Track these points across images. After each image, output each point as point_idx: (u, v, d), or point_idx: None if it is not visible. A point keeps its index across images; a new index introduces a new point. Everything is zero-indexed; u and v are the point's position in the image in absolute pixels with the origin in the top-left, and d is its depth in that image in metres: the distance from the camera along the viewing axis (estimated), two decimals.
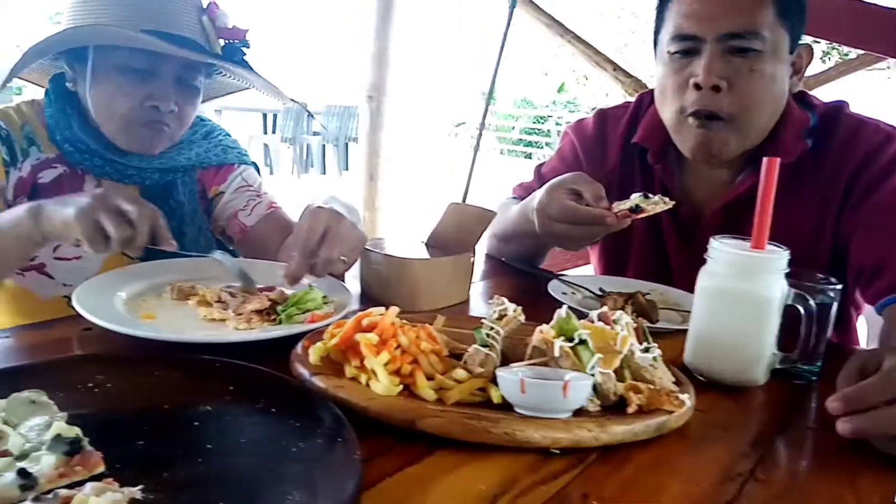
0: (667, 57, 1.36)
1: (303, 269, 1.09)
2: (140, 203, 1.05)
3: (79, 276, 1.31)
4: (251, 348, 0.96)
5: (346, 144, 11.67)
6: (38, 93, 1.40)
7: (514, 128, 19.20)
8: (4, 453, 0.63)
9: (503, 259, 1.58)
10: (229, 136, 1.58)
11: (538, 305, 1.02)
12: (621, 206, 1.23)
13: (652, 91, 1.50)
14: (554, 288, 1.30)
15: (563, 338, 0.84)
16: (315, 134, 11.18)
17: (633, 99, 1.66)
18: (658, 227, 1.52)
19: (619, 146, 1.56)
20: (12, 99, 1.45)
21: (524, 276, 1.53)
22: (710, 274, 1.00)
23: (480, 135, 1.36)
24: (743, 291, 0.96)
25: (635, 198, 1.22)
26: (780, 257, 0.97)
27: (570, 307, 0.91)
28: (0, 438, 0.65)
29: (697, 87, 1.29)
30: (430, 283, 1.22)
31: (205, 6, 1.32)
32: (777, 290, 0.96)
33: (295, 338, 0.96)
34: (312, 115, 1.50)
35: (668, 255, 1.54)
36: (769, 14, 1.27)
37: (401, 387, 0.81)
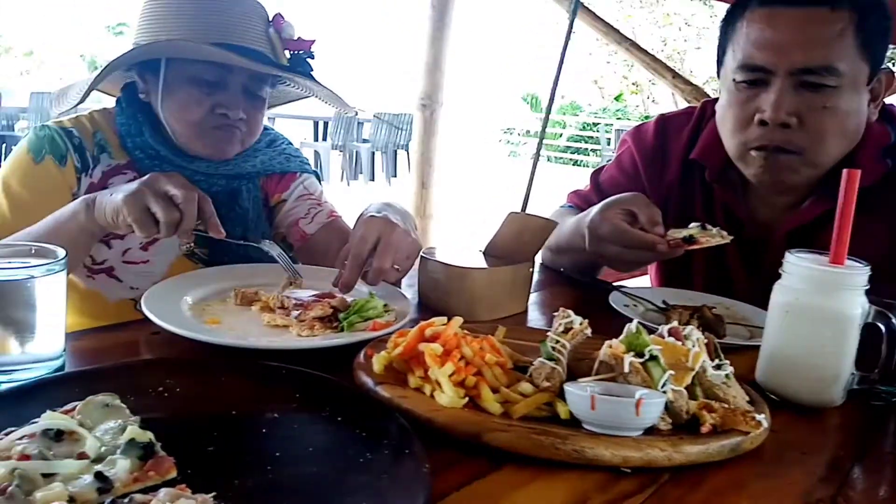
0: (732, 85, 1.28)
1: (354, 278, 1.10)
2: (187, 187, 1.05)
3: (145, 280, 1.34)
4: (313, 355, 0.96)
5: (395, 152, 11.76)
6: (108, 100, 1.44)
7: (560, 135, 19.08)
8: (81, 455, 0.64)
9: (561, 269, 1.55)
10: (291, 144, 1.60)
11: (598, 317, 0.99)
12: (676, 234, 1.19)
13: (714, 100, 1.45)
14: (615, 300, 1.27)
15: (632, 353, 0.82)
16: (364, 141, 11.29)
17: (695, 104, 1.61)
18: (722, 254, 1.44)
19: (680, 159, 1.50)
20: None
21: (582, 286, 1.51)
22: (786, 289, 0.96)
23: (540, 144, 1.35)
24: (821, 308, 0.92)
25: (693, 227, 1.19)
26: (860, 273, 0.92)
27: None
28: (77, 441, 0.66)
29: (763, 123, 1.22)
30: (490, 293, 1.21)
31: (270, 18, 1.34)
32: (857, 306, 0.92)
33: (357, 346, 0.96)
34: (386, 122, 1.50)
35: (731, 276, 1.49)
36: (849, 46, 1.18)
37: (466, 399, 0.80)
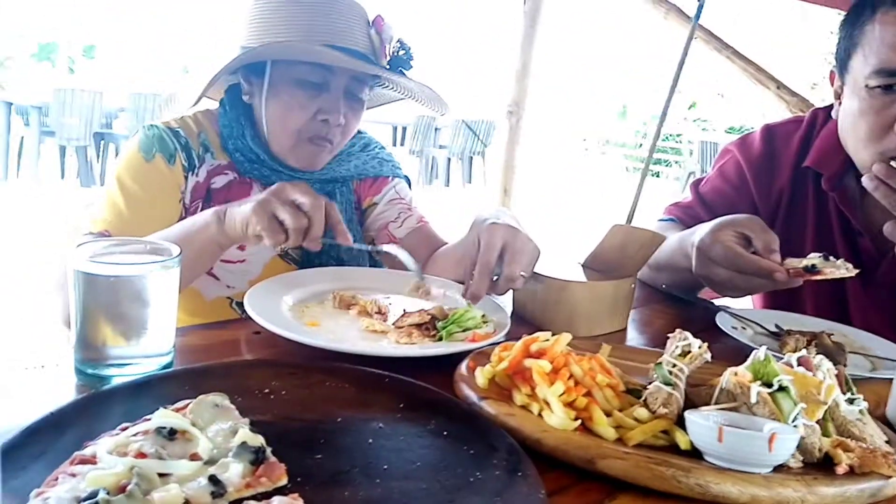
0: (864, 91, 1.21)
1: (484, 287, 1.07)
2: (314, 195, 1.05)
3: (241, 279, 1.36)
4: (410, 362, 0.95)
5: (471, 158, 11.76)
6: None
7: (641, 145, 18.66)
8: (194, 456, 0.64)
9: (662, 286, 1.48)
10: (384, 148, 1.60)
11: (702, 340, 0.92)
12: (795, 263, 1.11)
13: (826, 109, 1.39)
14: (722, 321, 1.20)
15: (760, 382, 0.76)
16: (441, 147, 11.35)
17: (798, 114, 1.53)
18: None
19: (791, 166, 1.44)
20: None
21: (683, 305, 1.44)
22: None
23: (650, 157, 1.29)
24: None
25: (814, 257, 1.11)
26: None
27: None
28: (189, 441, 0.66)
29: None
30: (590, 308, 1.16)
31: (371, 20, 1.34)
32: None
33: (456, 356, 0.93)
34: (472, 129, 1.49)
35: (847, 294, 1.41)
36: None
37: (577, 421, 0.76)
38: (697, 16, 1.31)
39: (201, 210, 1.34)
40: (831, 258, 1.10)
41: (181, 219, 1.33)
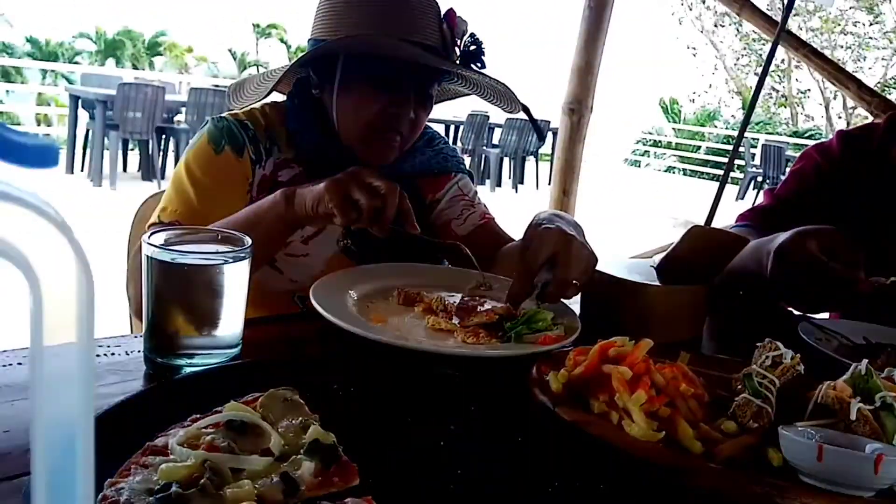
0: None
1: (525, 291, 1.04)
2: (388, 180, 1.04)
3: (304, 273, 1.35)
4: (478, 363, 0.92)
5: (524, 158, 11.68)
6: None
7: (699, 147, 18.22)
8: (265, 452, 0.62)
9: (739, 293, 1.42)
10: (448, 143, 1.57)
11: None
12: (882, 280, 1.06)
13: None
14: (805, 331, 1.13)
15: (860, 398, 0.71)
16: (494, 147, 11.30)
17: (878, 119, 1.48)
18: None
19: (876, 165, 1.43)
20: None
21: (759, 313, 1.37)
22: None
23: (732, 161, 1.23)
24: None
25: None
26: None
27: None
28: (260, 436, 0.64)
29: None
30: (665, 314, 1.11)
31: (443, 14, 1.31)
32: None
33: (525, 359, 0.90)
34: (536, 124, 1.44)
35: None
36: None
37: (661, 433, 0.71)
38: (787, 9, 1.24)
39: None
40: None
41: None
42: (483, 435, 0.72)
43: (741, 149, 14.86)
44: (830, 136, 1.57)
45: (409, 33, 1.23)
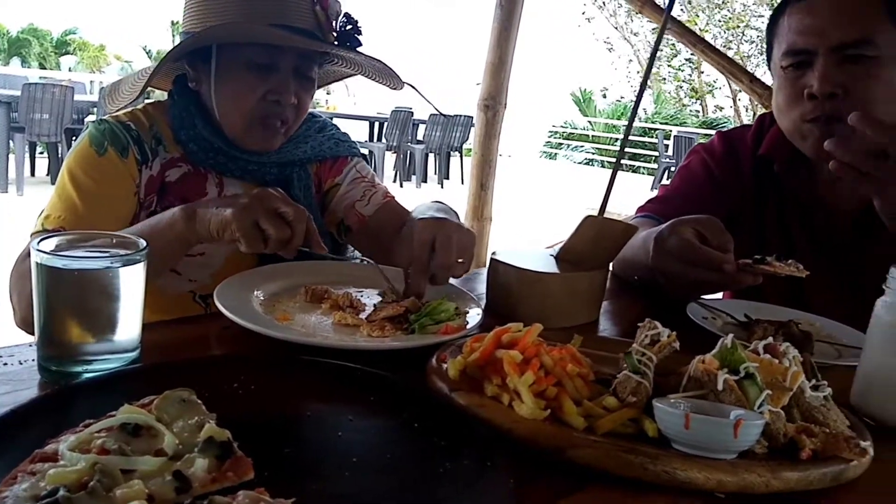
0: (781, 72, 1.41)
1: (422, 283, 1.09)
2: (296, 206, 1.06)
3: (203, 272, 1.35)
4: (383, 356, 0.94)
5: (448, 154, 11.76)
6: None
7: (615, 139, 18.77)
8: (159, 452, 0.63)
9: (635, 278, 1.50)
10: (339, 129, 1.59)
11: (674, 330, 0.93)
12: (744, 260, 1.17)
13: (772, 114, 1.53)
14: (693, 311, 1.21)
15: (726, 370, 0.77)
16: (419, 143, 11.33)
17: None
18: (791, 239, 1.53)
19: (750, 160, 1.60)
20: None
21: (655, 296, 1.45)
22: (890, 307, 0.89)
23: (622, 151, 1.30)
24: None
25: (770, 259, 1.15)
26: None
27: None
28: (154, 437, 0.65)
29: (812, 97, 1.33)
30: (563, 300, 1.16)
31: None
32: None
33: (429, 349, 0.93)
34: (425, 97, 1.47)
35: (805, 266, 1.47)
36: (883, 21, 1.30)
37: (547, 411, 0.76)
38: (669, 8, 1.32)
39: (156, 205, 1.33)
40: (784, 259, 1.15)
41: (136, 213, 1.32)
42: (381, 424, 0.75)
43: (654, 140, 15.45)
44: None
45: (280, 18, 1.24)
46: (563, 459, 0.71)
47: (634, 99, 1.19)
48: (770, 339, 0.85)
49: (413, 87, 1.41)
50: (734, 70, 2.84)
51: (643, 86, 1.28)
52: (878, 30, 1.30)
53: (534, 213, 8.51)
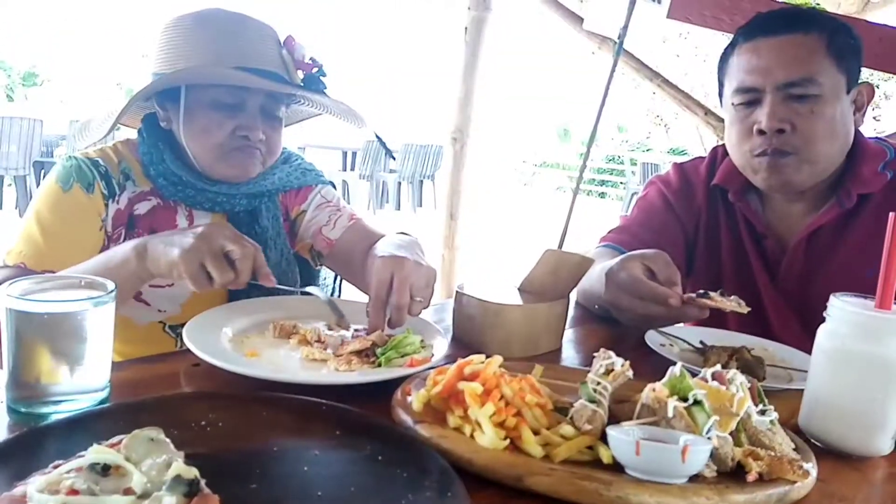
0: (732, 108, 1.48)
1: (380, 320, 1.12)
2: (242, 244, 1.08)
3: (172, 302, 1.37)
4: (351, 390, 0.97)
5: (421, 182, 11.84)
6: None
7: (586, 167, 19.02)
8: (128, 491, 0.65)
9: (595, 307, 1.54)
10: (304, 159, 1.63)
11: (633, 357, 0.97)
12: (690, 295, 1.21)
13: (724, 146, 1.60)
14: (651, 339, 1.25)
15: (676, 397, 0.81)
16: (391, 171, 11.40)
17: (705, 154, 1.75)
18: (748, 266, 1.58)
19: (703, 189, 1.66)
20: None
21: (616, 325, 1.49)
22: (831, 333, 0.94)
23: (580, 181, 1.35)
24: (867, 354, 0.90)
25: (713, 294, 1.20)
26: None
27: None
28: (123, 476, 0.66)
29: (761, 132, 1.40)
30: (525, 330, 1.20)
31: (282, 41, 1.38)
32: None
33: (395, 382, 0.96)
34: (381, 141, 1.53)
35: (760, 292, 1.56)
36: (823, 61, 1.37)
37: (507, 441, 0.79)
38: (618, 51, 1.39)
39: (124, 238, 1.35)
40: (727, 296, 1.19)
41: (104, 247, 1.34)
42: (346, 458, 0.77)
43: (623, 167, 15.72)
44: (697, 157, 1.79)
45: (246, 61, 1.29)
46: (523, 487, 0.74)
47: (590, 135, 1.24)
48: (718, 366, 0.90)
49: (376, 136, 1.48)
50: (689, 103, 2.95)
51: (596, 123, 1.34)
52: (820, 69, 1.37)
53: (506, 242, 8.60)
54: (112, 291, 0.85)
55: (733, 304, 1.16)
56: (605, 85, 1.32)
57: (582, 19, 2.96)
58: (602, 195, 16.58)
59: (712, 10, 2.72)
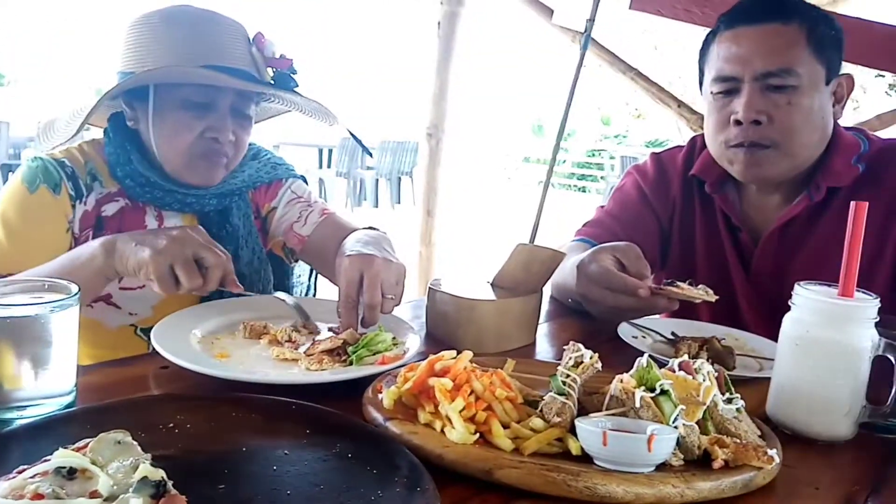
0: (710, 97, 1.47)
1: (351, 319, 1.12)
2: (215, 252, 1.08)
3: (143, 305, 1.35)
4: (322, 389, 0.96)
5: (399, 179, 11.82)
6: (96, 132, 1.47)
7: (564, 161, 19.11)
8: (94, 494, 0.64)
9: (569, 301, 1.55)
10: (274, 155, 1.62)
11: (607, 349, 0.98)
12: (659, 286, 1.22)
13: (703, 135, 1.59)
14: (624, 331, 1.27)
15: (643, 388, 0.82)
16: (369, 168, 11.36)
17: (684, 143, 1.75)
18: (722, 257, 1.59)
19: (680, 180, 1.66)
20: None
21: (590, 318, 1.50)
22: (795, 321, 0.96)
23: (550, 175, 1.35)
24: (831, 341, 0.92)
25: (680, 283, 1.21)
26: (869, 305, 0.92)
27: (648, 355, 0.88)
28: (90, 479, 0.66)
29: (738, 122, 1.39)
30: (498, 325, 1.21)
31: (251, 38, 1.37)
32: (867, 339, 0.92)
33: (366, 380, 0.96)
34: (357, 139, 1.52)
35: (734, 284, 1.57)
36: (803, 51, 1.37)
37: (476, 435, 0.79)
38: (585, 44, 1.40)
39: (92, 238, 1.33)
40: (695, 286, 1.20)
41: (71, 248, 1.32)
42: (316, 456, 0.77)
43: (601, 161, 15.83)
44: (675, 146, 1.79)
45: (216, 59, 1.27)
46: (493, 480, 0.75)
47: (558, 130, 1.25)
48: (686, 356, 0.91)
49: (351, 133, 1.46)
50: (662, 96, 2.98)
51: (565, 115, 1.34)
52: (799, 60, 1.36)
53: (483, 237, 8.62)
54: (76, 294, 0.84)
55: (701, 292, 1.18)
56: (573, 78, 1.32)
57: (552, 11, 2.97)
58: (583, 189, 16.65)
59: (683, 2, 2.72)
